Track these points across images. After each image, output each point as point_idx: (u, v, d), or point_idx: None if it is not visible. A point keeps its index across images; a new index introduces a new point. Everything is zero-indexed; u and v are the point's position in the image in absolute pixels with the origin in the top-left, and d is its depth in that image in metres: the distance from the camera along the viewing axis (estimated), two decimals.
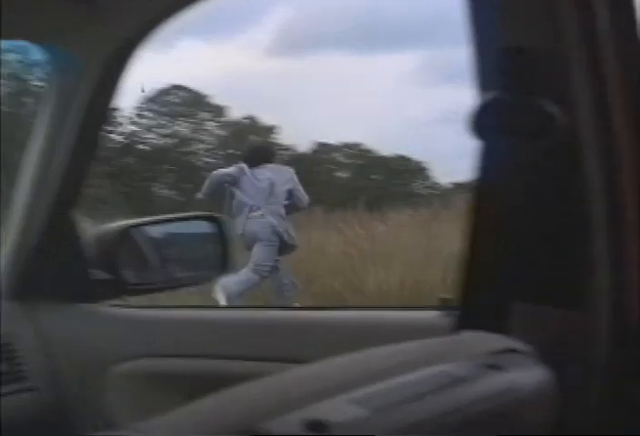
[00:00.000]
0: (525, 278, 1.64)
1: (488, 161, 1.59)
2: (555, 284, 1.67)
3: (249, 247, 9.05)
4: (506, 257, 1.62)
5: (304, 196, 9.23)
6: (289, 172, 9.30)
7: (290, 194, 9.10)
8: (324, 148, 21.35)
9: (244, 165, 9.22)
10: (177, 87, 27.47)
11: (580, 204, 1.63)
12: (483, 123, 1.58)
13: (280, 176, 9.09)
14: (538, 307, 1.66)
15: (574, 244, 1.64)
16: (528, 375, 1.27)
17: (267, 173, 9.01)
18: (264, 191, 8.94)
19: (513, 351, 1.32)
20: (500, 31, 1.62)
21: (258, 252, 8.94)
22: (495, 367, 1.22)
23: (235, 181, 9.08)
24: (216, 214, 2.67)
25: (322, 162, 20.57)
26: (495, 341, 1.35)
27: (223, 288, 8.56)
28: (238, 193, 9.07)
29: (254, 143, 9.96)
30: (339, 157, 21.13)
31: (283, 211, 9.03)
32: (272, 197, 8.95)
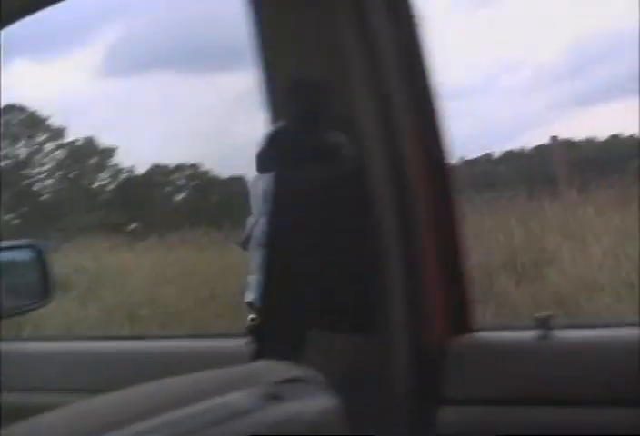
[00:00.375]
0: (321, 306, 1.67)
1: (279, 190, 1.62)
2: (351, 312, 1.70)
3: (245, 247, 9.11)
4: (302, 286, 1.64)
5: None
6: None
7: None
8: (160, 170, 21.20)
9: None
10: (13, 107, 26.89)
11: (372, 231, 1.66)
12: (271, 152, 1.60)
13: None
14: (335, 334, 1.69)
15: (367, 272, 1.68)
16: (313, 404, 1.27)
17: (260, 181, 9.08)
18: (258, 199, 9.01)
19: (301, 379, 1.32)
20: (287, 64, 1.65)
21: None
22: (276, 397, 1.22)
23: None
24: (35, 243, 2.62)
25: (159, 184, 20.42)
26: (284, 369, 1.35)
27: None
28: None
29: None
30: (176, 179, 21.07)
31: None
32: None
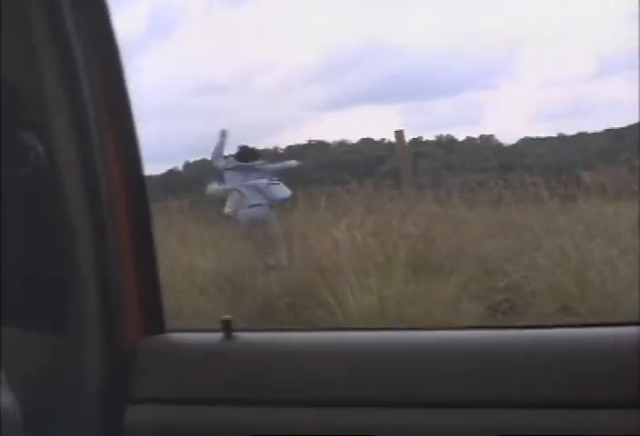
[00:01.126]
0: (10, 303, 1.67)
1: None
2: (42, 311, 1.71)
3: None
4: None
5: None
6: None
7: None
8: None
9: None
10: None
11: (63, 231, 1.68)
12: None
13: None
14: (26, 333, 1.70)
15: (59, 272, 1.70)
16: None
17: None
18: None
19: None
20: None
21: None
22: None
23: None
24: None
25: None
26: None
27: None
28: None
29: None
30: None
31: None
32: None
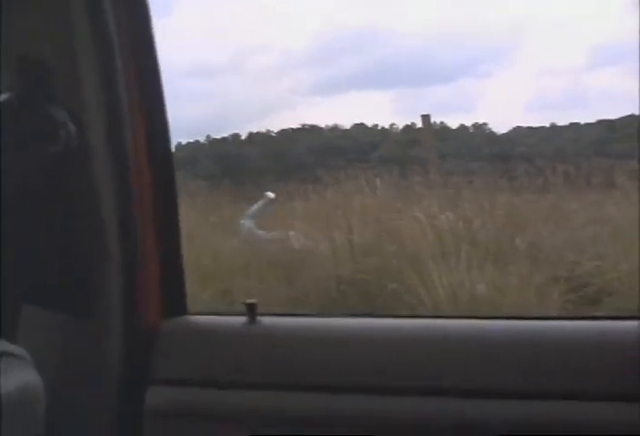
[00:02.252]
0: (33, 284, 1.66)
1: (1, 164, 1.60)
2: (67, 292, 1.70)
3: None
4: (14, 261, 1.63)
5: None
6: None
7: None
8: None
9: None
10: None
11: (91, 210, 1.68)
12: None
13: None
14: (50, 313, 1.69)
15: (84, 251, 1.69)
16: (12, 379, 1.27)
17: None
18: None
19: (4, 354, 1.32)
20: (13, 38, 1.63)
21: None
22: None
23: None
24: None
25: None
26: None
27: None
28: None
29: None
30: None
31: None
32: None
